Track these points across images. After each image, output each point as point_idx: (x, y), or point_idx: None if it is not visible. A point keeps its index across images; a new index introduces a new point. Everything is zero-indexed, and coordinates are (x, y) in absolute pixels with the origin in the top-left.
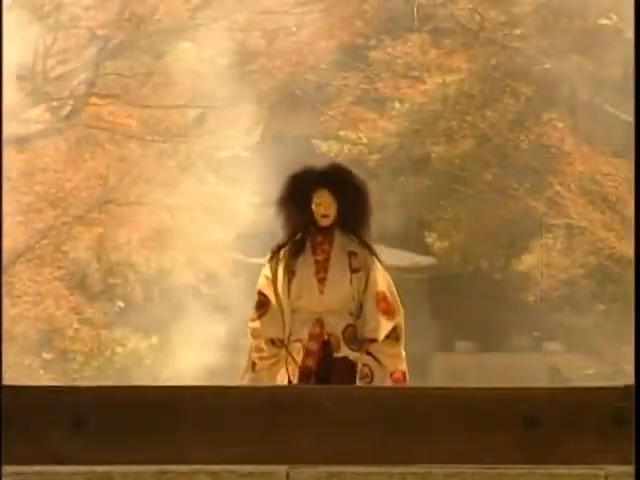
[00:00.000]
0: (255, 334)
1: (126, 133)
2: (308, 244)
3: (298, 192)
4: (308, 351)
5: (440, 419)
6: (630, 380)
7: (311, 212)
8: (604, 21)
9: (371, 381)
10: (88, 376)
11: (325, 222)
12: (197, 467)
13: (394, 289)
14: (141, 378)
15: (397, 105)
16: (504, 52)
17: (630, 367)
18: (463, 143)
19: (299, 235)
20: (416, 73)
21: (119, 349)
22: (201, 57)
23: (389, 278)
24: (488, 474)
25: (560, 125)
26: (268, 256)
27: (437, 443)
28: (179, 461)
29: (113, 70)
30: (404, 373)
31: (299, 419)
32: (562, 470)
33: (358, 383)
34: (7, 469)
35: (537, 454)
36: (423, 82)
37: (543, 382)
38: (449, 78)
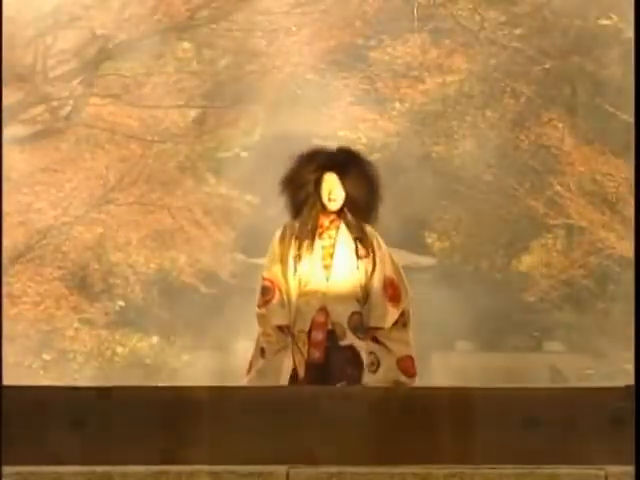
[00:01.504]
0: (262, 321)
1: (126, 133)
2: (315, 229)
3: (306, 174)
4: (313, 342)
5: (440, 419)
6: (630, 380)
7: (319, 195)
8: (604, 21)
9: (377, 369)
10: (88, 376)
11: (333, 206)
12: (197, 467)
13: (402, 272)
14: (141, 378)
15: (397, 105)
16: (504, 52)
17: (630, 367)
18: (463, 143)
19: (306, 219)
20: (416, 73)
21: (119, 349)
22: (201, 57)
23: (396, 262)
24: (488, 474)
25: (560, 125)
26: (276, 239)
27: (437, 443)
28: (179, 461)
29: (113, 70)
30: (412, 359)
31: (299, 419)
32: (562, 470)
33: (366, 371)
34: (7, 469)
35: (537, 454)
36: (423, 82)
37: (543, 382)
38: (449, 78)
